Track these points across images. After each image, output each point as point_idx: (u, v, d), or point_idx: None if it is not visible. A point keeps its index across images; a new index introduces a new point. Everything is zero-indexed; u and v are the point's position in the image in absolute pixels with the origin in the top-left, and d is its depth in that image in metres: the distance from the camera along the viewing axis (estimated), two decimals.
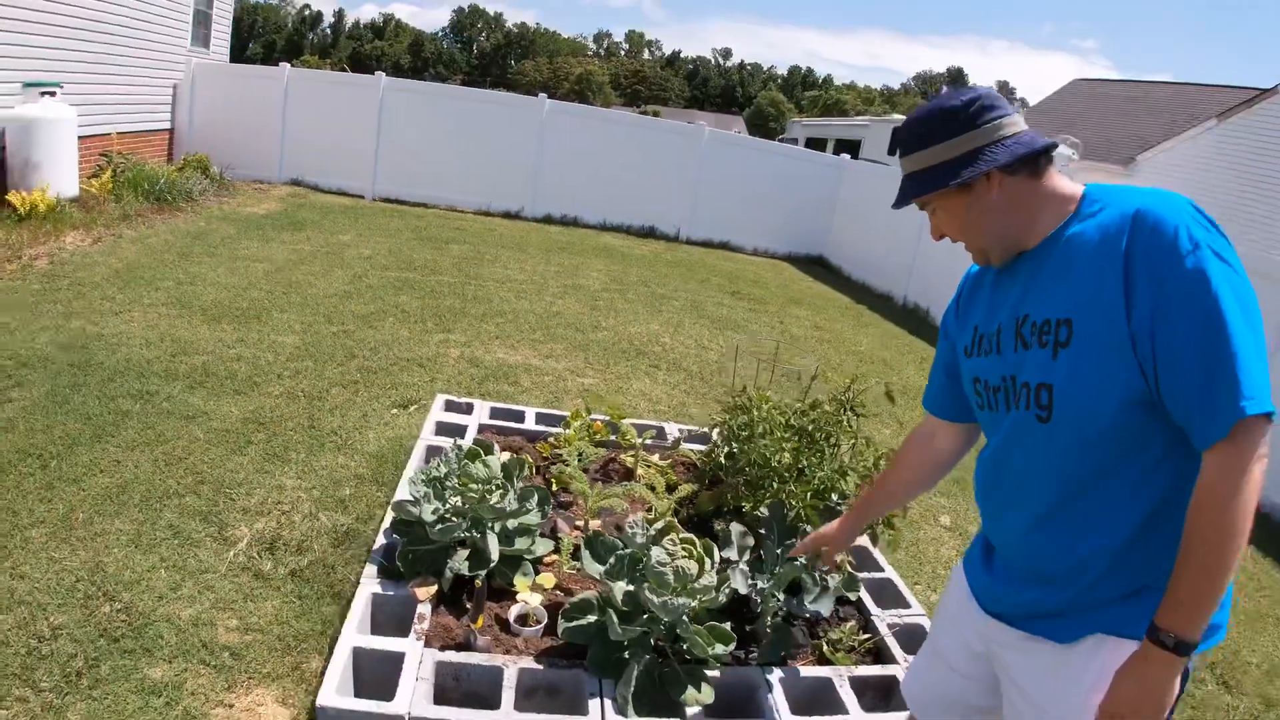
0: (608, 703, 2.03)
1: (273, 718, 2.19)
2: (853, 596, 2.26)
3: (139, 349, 4.20)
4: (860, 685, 2.26)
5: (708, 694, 2.05)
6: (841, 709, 2.15)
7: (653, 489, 2.77)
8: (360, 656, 2.12)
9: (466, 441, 3.21)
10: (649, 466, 3.16)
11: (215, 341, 4.46)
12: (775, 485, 2.55)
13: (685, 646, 2.09)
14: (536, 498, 2.48)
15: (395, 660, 2.10)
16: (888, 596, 2.71)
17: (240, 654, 2.35)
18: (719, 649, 2.02)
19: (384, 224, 8.24)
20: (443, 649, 2.15)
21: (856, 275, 10.52)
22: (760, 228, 11.29)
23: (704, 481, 2.99)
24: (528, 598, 2.23)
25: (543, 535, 2.64)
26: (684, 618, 2.03)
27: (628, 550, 2.13)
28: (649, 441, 3.27)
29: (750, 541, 2.35)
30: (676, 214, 11.04)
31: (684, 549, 2.11)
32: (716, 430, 3.07)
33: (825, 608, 2.20)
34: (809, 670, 2.26)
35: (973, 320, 1.42)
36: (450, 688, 2.13)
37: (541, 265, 7.49)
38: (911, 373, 6.37)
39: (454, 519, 2.38)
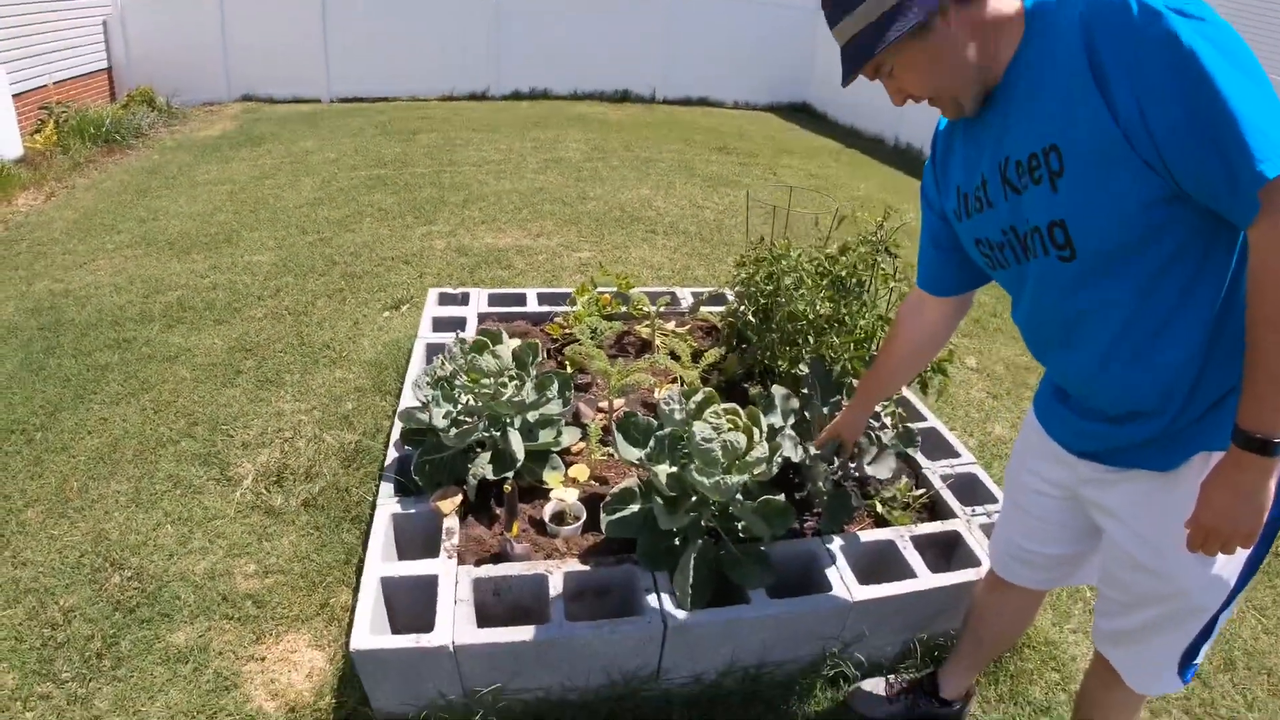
0: (664, 597, 1.76)
1: (309, 663, 1.95)
2: (912, 453, 1.96)
3: (109, 297, 3.76)
4: (922, 544, 2.00)
5: (769, 572, 1.78)
6: (908, 572, 1.89)
7: (676, 358, 2.41)
8: (390, 587, 1.85)
9: (469, 333, 2.83)
10: (667, 336, 2.80)
11: (188, 274, 4.01)
12: (812, 340, 2.19)
13: (741, 525, 1.80)
14: (557, 384, 2.13)
15: (428, 585, 1.82)
16: (935, 446, 2.42)
17: (263, 601, 2.13)
18: (779, 526, 1.72)
19: (345, 124, 7.48)
20: (478, 563, 1.87)
21: (844, 120, 9.76)
22: (739, 79, 10.37)
23: (728, 344, 2.63)
24: (562, 494, 1.93)
25: (567, 424, 2.31)
26: (737, 496, 1.72)
27: (666, 430, 1.80)
28: (663, 309, 2.88)
29: (794, 404, 2.02)
30: (650, 74, 10.11)
31: (729, 421, 1.77)
32: (734, 289, 2.68)
33: (885, 470, 1.90)
34: (869, 534, 1.99)
35: (953, 181, 1.30)
36: (492, 604, 1.86)
37: (517, 143, 6.82)
38: (913, 212, 5.87)
39: (469, 420, 2.04)
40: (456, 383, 2.03)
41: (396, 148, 6.61)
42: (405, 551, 2.04)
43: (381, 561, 1.89)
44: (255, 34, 8.66)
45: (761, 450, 1.73)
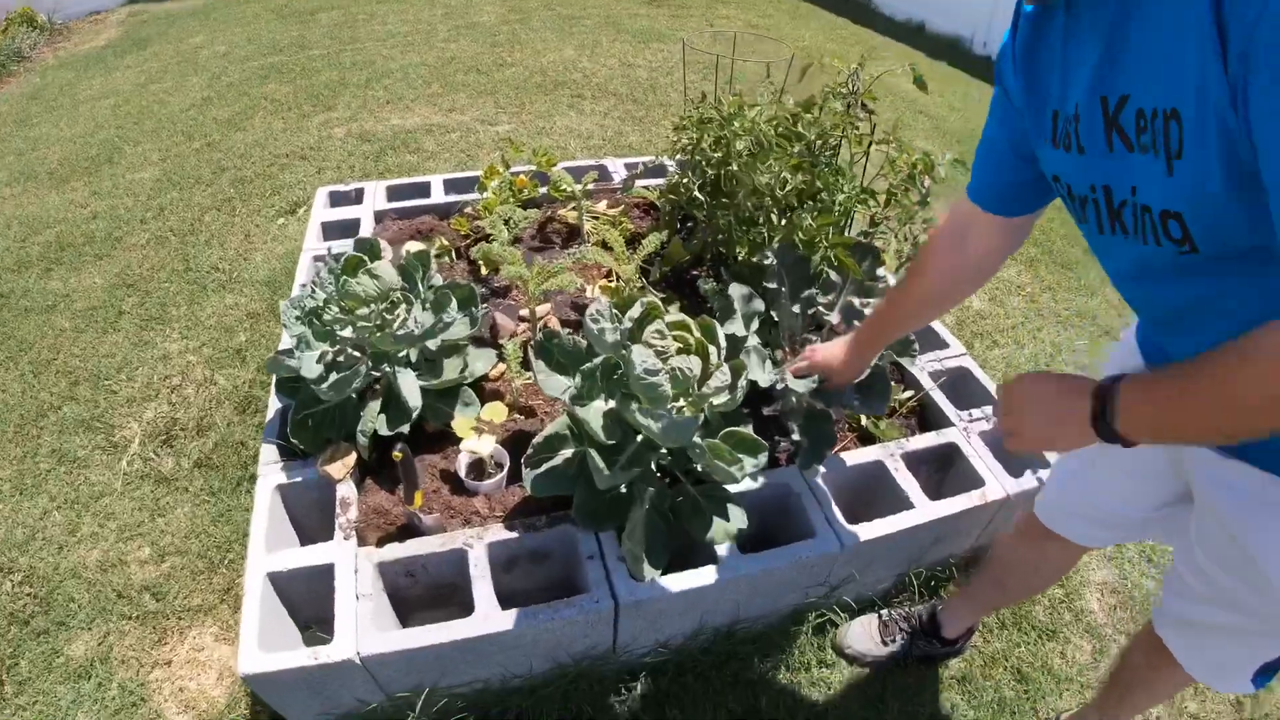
0: (613, 563, 1.31)
1: (218, 663, 1.57)
2: (907, 363, 1.47)
3: None
4: (915, 462, 1.57)
5: (738, 519, 1.33)
6: (902, 501, 1.47)
7: (608, 248, 1.83)
8: (280, 584, 1.37)
9: (364, 235, 2.20)
10: (598, 219, 2.20)
11: (66, 206, 3.21)
12: (778, 220, 1.63)
13: (700, 468, 1.33)
14: (455, 301, 1.57)
15: (325, 575, 1.34)
16: (920, 336, 1.92)
17: (162, 591, 1.74)
18: (748, 466, 1.25)
19: (238, 12, 6.16)
20: (381, 542, 1.39)
21: None
22: None
23: (670, 226, 2.05)
24: (474, 444, 1.42)
25: (481, 344, 1.77)
26: (695, 439, 1.23)
27: (598, 357, 1.28)
28: (591, 187, 2.26)
29: (758, 306, 1.49)
30: None
31: (677, 339, 1.25)
32: (675, 158, 2.06)
33: (876, 399, 1.39)
34: (854, 456, 1.54)
35: (1046, 88, 0.82)
36: (407, 585, 1.40)
37: (425, 11, 5.68)
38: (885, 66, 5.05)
39: (348, 363, 1.48)
40: (327, 315, 1.45)
41: (294, 31, 5.45)
42: (302, 528, 1.55)
43: (266, 552, 1.40)
44: None
45: (721, 376, 1.23)
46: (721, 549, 1.34)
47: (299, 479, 1.52)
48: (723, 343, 1.31)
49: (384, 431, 1.44)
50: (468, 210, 2.23)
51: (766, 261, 1.60)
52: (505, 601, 1.45)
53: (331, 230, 2.31)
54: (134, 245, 2.90)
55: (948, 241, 1.06)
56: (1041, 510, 1.19)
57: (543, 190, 2.28)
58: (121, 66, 5.10)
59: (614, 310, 1.28)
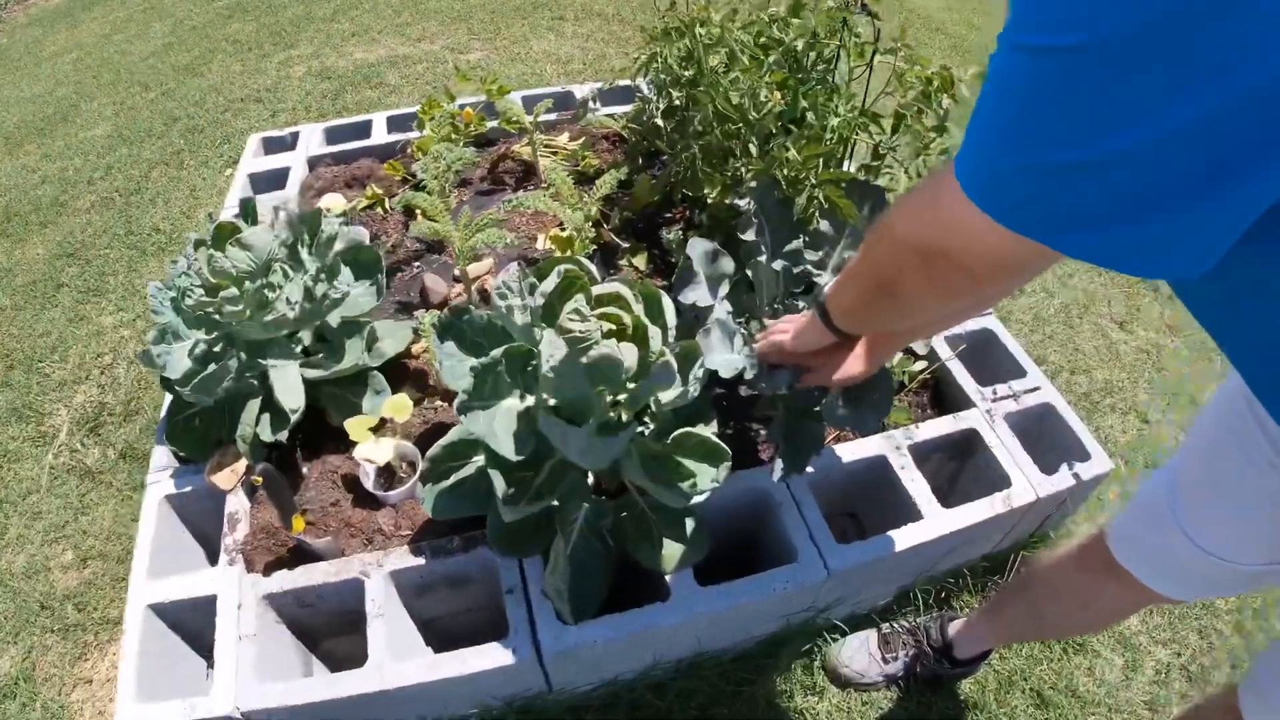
0: (539, 598, 1.02)
1: None
2: (922, 348, 1.09)
3: None
4: (925, 453, 1.22)
5: (697, 541, 1.01)
6: (909, 510, 1.13)
7: (555, 195, 1.47)
8: (172, 616, 1.13)
9: (290, 189, 1.87)
10: (555, 155, 1.82)
11: (18, 171, 2.90)
12: (755, 151, 1.24)
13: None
14: (352, 269, 1.24)
15: (209, 607, 1.09)
16: None
17: (84, 601, 1.55)
18: (704, 482, 0.93)
19: None
20: (269, 568, 1.11)
21: None
22: None
23: (633, 161, 1.66)
24: (369, 450, 1.11)
25: (401, 313, 1.45)
26: (632, 450, 0.91)
27: (497, 347, 0.94)
28: (548, 116, 1.87)
29: (728, 267, 1.13)
30: None
31: (606, 318, 0.91)
32: (645, 77, 1.65)
33: (878, 401, 1.02)
34: (851, 449, 1.20)
35: None
36: (305, 615, 1.14)
37: None
38: None
39: (219, 356, 1.18)
40: (189, 300, 1.14)
41: None
42: (209, 542, 1.29)
43: (148, 579, 1.15)
44: None
45: (667, 366, 0.89)
46: (676, 579, 1.03)
47: (188, 489, 1.25)
48: (671, 320, 0.97)
49: (266, 437, 1.14)
50: (409, 151, 1.87)
51: (741, 204, 1.23)
52: (425, 626, 1.19)
53: (260, 183, 1.97)
54: (79, 210, 2.60)
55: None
56: (1118, 541, 0.85)
57: (494, 124, 1.90)
58: (87, 19, 4.69)
59: (529, 279, 0.94)
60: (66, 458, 1.80)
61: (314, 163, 2.00)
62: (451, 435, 1.04)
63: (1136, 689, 1.31)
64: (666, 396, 0.92)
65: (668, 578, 1.03)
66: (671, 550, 1.01)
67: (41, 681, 1.43)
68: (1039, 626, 1.09)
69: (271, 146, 2.12)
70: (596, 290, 0.95)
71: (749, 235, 1.18)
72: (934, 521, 1.10)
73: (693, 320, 1.12)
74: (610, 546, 1.01)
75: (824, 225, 1.20)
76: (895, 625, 1.26)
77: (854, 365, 0.93)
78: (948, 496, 1.38)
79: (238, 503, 1.20)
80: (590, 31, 3.31)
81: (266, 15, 3.96)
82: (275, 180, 1.95)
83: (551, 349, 0.84)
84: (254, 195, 1.93)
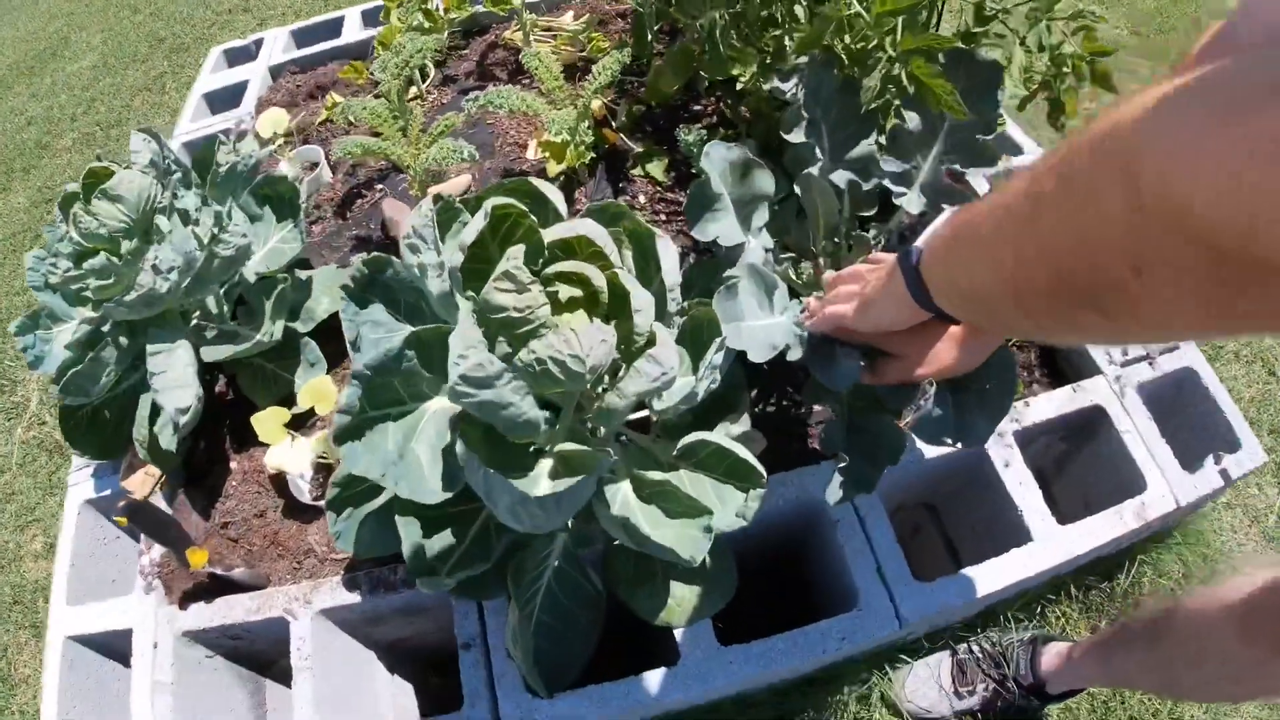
0: (500, 659, 0.73)
1: None
2: None
3: None
4: (1029, 438, 0.84)
5: (719, 583, 0.69)
6: (1014, 528, 0.78)
7: (539, 89, 1.08)
8: (94, 645, 0.92)
9: (245, 106, 1.53)
10: (557, 38, 1.40)
11: (6, 115, 2.67)
12: (803, 14, 0.81)
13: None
14: (270, 208, 0.92)
15: (126, 643, 0.87)
16: None
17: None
18: (728, 514, 0.60)
19: None
20: (186, 600, 0.86)
21: None
22: None
23: (641, 40, 1.23)
24: (282, 457, 0.82)
25: (360, 250, 1.11)
26: (614, 476, 0.58)
27: (401, 330, 0.62)
28: None
29: (765, 184, 0.74)
30: None
31: (568, 276, 0.56)
32: None
33: (984, 421, 0.63)
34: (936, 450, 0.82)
35: None
36: (242, 648, 0.90)
37: None
38: None
39: (100, 342, 0.89)
40: (53, 275, 0.84)
41: None
42: (107, 571, 1.05)
43: (68, 605, 0.93)
44: None
45: (662, 354, 0.54)
46: (688, 635, 0.72)
47: (108, 491, 1.00)
48: (672, 274, 0.61)
49: (166, 444, 0.87)
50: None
51: (785, 91, 0.82)
52: (390, 650, 0.94)
53: (217, 101, 1.63)
54: (61, 149, 2.35)
55: None
56: None
57: (476, 8, 1.48)
58: None
59: (432, 220, 0.59)
60: (36, 430, 1.62)
61: (276, 72, 1.63)
62: (343, 473, 0.73)
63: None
64: (665, 400, 0.58)
65: (677, 632, 0.72)
66: (682, 596, 0.69)
67: (19, 683, 1.29)
68: (1169, 687, 0.76)
69: (235, 58, 1.76)
70: (553, 233, 0.59)
71: (797, 136, 0.78)
72: (1047, 546, 0.74)
73: (694, 262, 0.75)
74: (598, 590, 0.71)
75: (909, 119, 0.78)
76: (974, 649, 0.94)
77: (947, 353, 0.57)
78: (1052, 484, 1.01)
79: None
80: None
81: None
82: (232, 98, 1.61)
83: (462, 344, 0.50)
84: (212, 116, 1.61)
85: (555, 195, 0.64)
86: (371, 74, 1.37)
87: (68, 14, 3.35)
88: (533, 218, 0.59)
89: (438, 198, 0.64)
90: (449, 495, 0.59)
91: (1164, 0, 2.13)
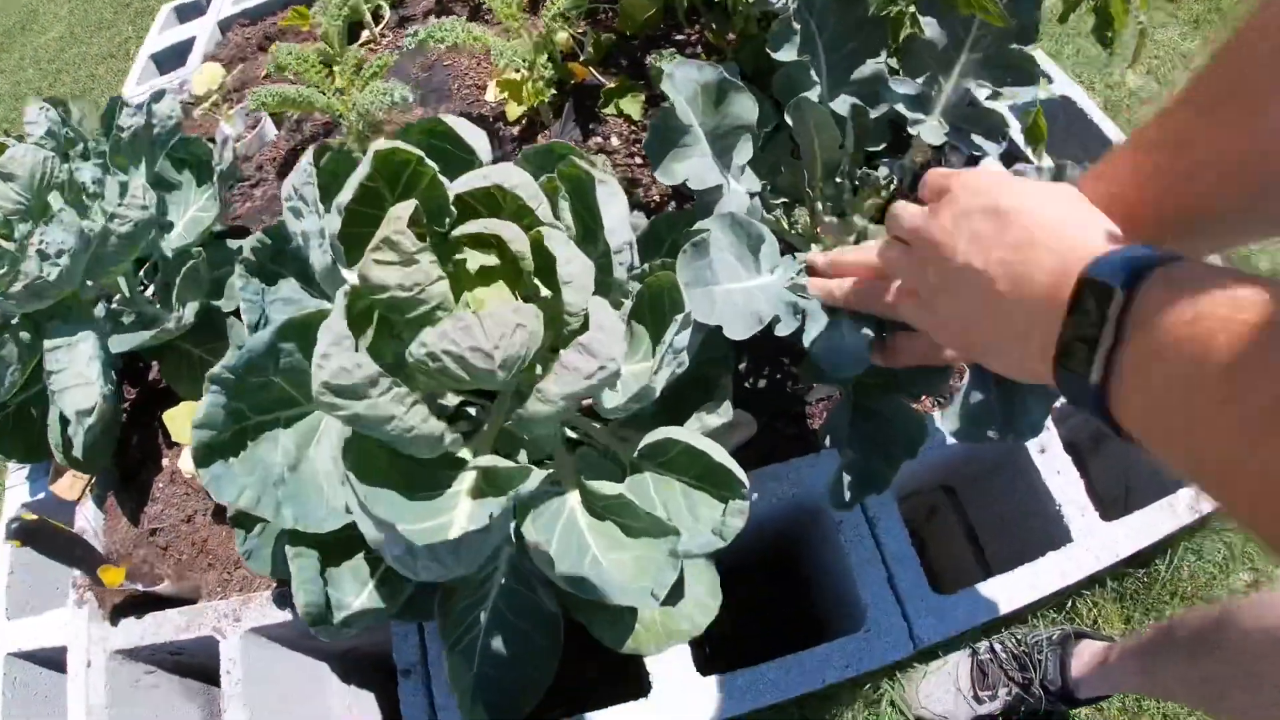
0: (443, 687, 0.62)
1: None
2: None
3: None
4: (1062, 415, 0.70)
5: (700, 594, 0.57)
6: (1051, 525, 0.67)
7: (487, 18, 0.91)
8: (39, 660, 0.83)
9: (191, 64, 1.39)
10: None
11: None
12: None
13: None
14: (190, 175, 0.78)
15: (60, 663, 0.78)
16: (1074, 135, 0.91)
17: None
18: (702, 532, 0.47)
19: None
20: (117, 616, 0.76)
21: None
22: None
23: None
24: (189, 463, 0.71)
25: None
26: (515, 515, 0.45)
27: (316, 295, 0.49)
28: None
29: (748, 111, 0.58)
30: None
31: (479, 239, 0.42)
32: None
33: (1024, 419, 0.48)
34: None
35: None
36: (186, 661, 0.81)
37: None
38: None
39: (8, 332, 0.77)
40: None
41: None
42: (43, 580, 0.96)
43: (7, 619, 0.84)
44: None
45: (595, 351, 0.41)
46: (660, 663, 0.60)
47: (43, 495, 0.90)
48: (620, 236, 0.46)
49: (78, 452, 0.75)
50: None
51: (775, 3, 0.65)
52: (343, 657, 0.84)
53: (166, 61, 1.48)
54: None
55: None
56: None
57: None
58: None
59: (311, 179, 0.45)
60: None
61: (226, 25, 1.47)
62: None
63: None
64: (610, 400, 0.44)
65: (647, 661, 0.60)
66: (651, 619, 0.57)
67: None
68: (1216, 705, 0.63)
69: (186, 14, 1.60)
70: (461, 185, 0.45)
71: (788, 53, 0.61)
72: (1089, 545, 0.62)
73: (688, 220, 0.60)
74: (552, 612, 0.59)
75: (926, 26, 0.61)
76: (996, 649, 0.81)
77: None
78: (1089, 464, 0.87)
79: (88, 516, 0.84)
80: None
81: None
82: (180, 56, 1.45)
83: (329, 338, 0.37)
84: (161, 77, 1.46)
85: (476, 136, 0.50)
86: (312, 17, 1.21)
87: None
88: (433, 165, 0.44)
89: (324, 148, 0.50)
90: (333, 533, 0.47)
91: None
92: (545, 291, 0.43)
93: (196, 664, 0.82)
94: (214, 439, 0.44)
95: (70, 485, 0.84)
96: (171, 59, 1.46)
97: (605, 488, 0.48)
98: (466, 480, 0.46)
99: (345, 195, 0.42)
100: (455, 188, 0.44)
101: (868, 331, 0.48)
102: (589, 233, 0.47)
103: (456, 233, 0.43)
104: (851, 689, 0.80)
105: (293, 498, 0.46)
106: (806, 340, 0.48)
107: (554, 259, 0.41)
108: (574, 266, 0.42)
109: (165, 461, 0.84)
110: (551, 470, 0.49)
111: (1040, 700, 0.79)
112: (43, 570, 0.93)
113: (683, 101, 0.56)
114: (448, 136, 0.50)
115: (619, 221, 0.46)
